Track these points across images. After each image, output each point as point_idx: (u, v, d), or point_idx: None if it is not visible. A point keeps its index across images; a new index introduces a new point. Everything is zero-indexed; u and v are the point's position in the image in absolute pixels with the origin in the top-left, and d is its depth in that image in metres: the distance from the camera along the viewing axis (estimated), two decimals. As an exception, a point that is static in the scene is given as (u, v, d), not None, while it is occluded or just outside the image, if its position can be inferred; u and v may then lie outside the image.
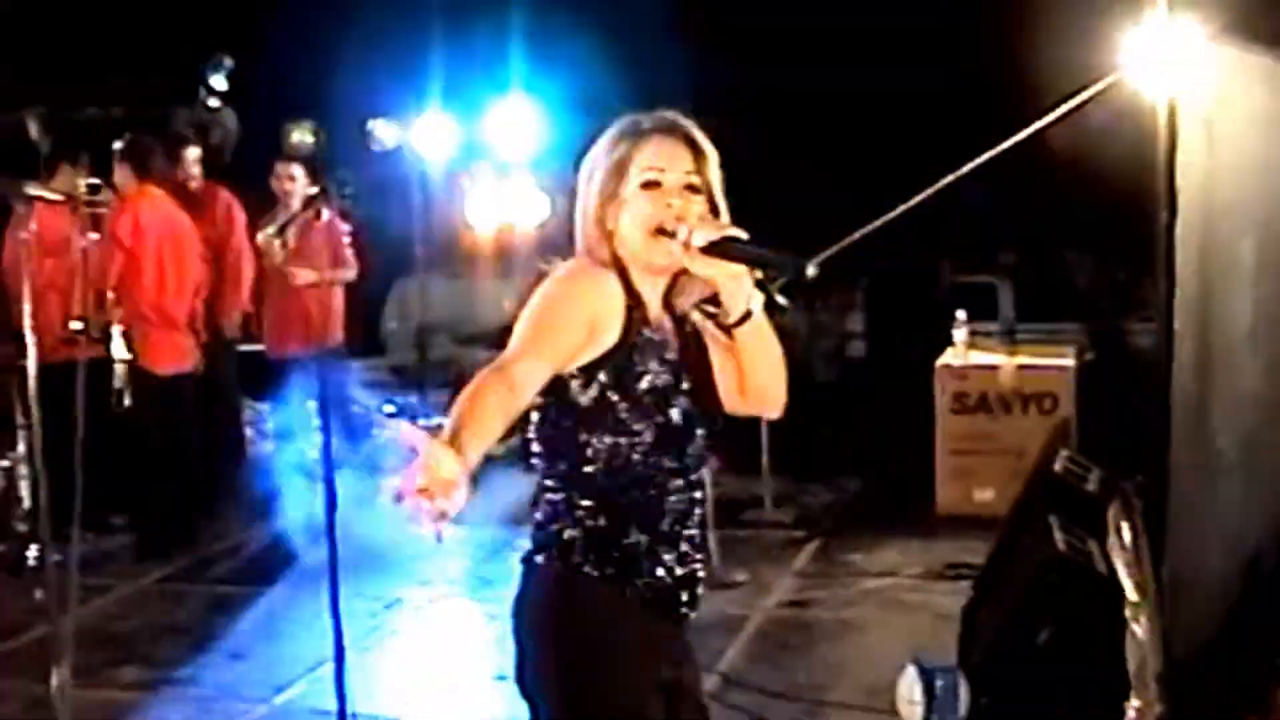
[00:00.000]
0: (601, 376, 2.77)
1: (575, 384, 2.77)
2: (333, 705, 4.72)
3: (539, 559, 2.87)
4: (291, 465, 8.76)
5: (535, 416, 2.85)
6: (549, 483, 2.87)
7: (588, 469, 2.81)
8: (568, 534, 2.83)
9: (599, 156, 2.90)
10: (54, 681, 4.34)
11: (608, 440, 2.79)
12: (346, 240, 8.47)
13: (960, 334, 8.58)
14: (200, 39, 9.36)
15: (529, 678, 2.90)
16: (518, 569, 2.93)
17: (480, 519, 7.74)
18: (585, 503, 2.82)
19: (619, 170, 2.86)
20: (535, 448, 2.88)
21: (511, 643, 2.93)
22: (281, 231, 8.00)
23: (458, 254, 11.25)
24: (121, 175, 7.37)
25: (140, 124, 8.20)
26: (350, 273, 8.53)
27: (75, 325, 6.12)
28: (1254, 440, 5.26)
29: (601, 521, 2.82)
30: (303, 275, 7.93)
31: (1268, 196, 5.27)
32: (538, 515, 2.89)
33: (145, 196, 7.41)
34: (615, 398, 2.78)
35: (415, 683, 5.77)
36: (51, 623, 4.52)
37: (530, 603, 2.90)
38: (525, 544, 2.91)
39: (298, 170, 8.18)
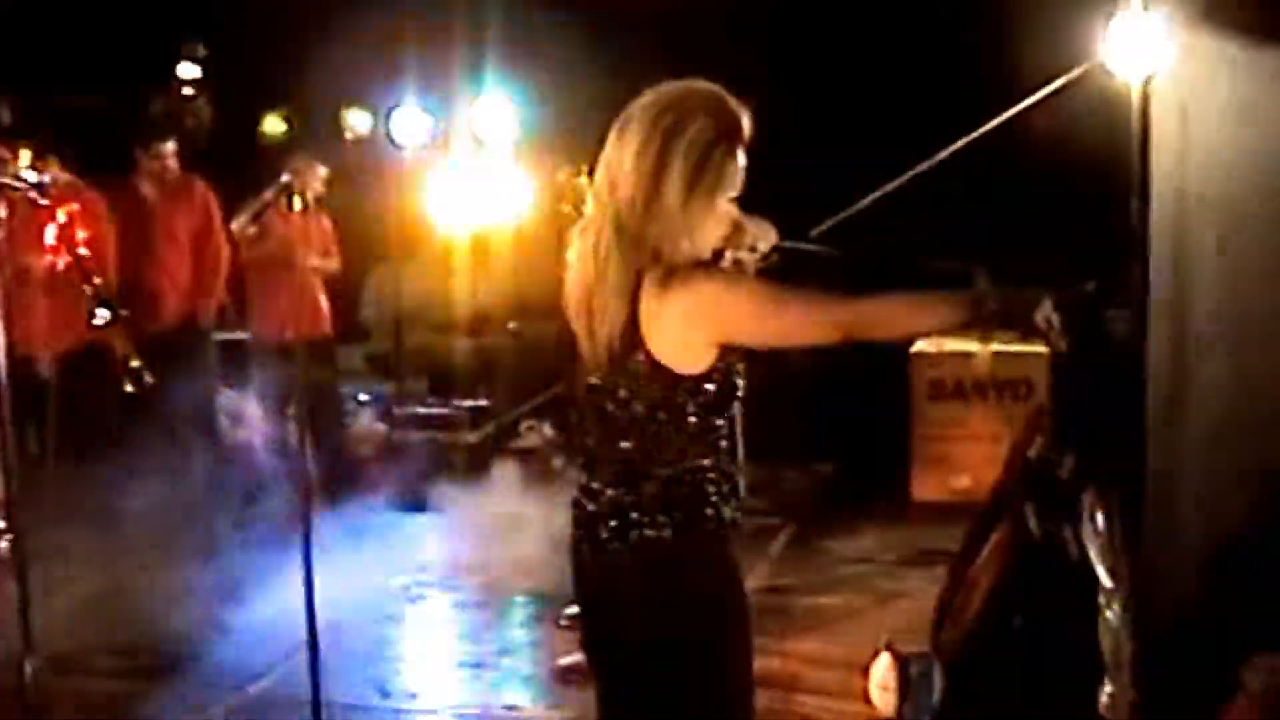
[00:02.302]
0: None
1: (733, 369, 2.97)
2: (307, 693, 4.71)
3: (675, 531, 2.97)
4: (267, 453, 8.77)
5: (656, 404, 2.94)
6: (664, 467, 2.97)
7: (712, 438, 3.00)
8: (703, 499, 2.99)
9: (709, 151, 2.90)
10: (27, 671, 4.32)
11: (728, 410, 3.01)
12: (330, 231, 8.46)
13: (935, 321, 8.56)
14: (173, 27, 9.33)
15: (689, 642, 2.98)
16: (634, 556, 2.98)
17: (451, 511, 7.76)
18: (706, 462, 2.99)
19: (729, 185, 2.96)
20: (650, 440, 2.97)
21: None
22: (255, 219, 7.96)
23: (433, 243, 11.23)
24: (53, 167, 7.29)
25: (114, 112, 8.16)
26: (334, 264, 8.51)
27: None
28: (1225, 427, 5.28)
29: (712, 474, 3.01)
30: (294, 254, 7.92)
31: (1240, 185, 5.28)
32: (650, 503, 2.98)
33: (86, 188, 7.42)
34: (739, 372, 3.00)
35: (390, 670, 5.77)
36: (25, 612, 4.50)
37: (686, 568, 2.99)
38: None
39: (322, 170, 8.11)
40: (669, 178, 2.87)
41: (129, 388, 6.36)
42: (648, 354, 2.88)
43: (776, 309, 2.94)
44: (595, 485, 3.04)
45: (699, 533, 2.99)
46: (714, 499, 3.00)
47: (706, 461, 3.00)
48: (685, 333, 2.88)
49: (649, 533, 2.96)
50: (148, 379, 6.36)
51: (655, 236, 2.88)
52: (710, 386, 2.93)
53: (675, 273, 2.88)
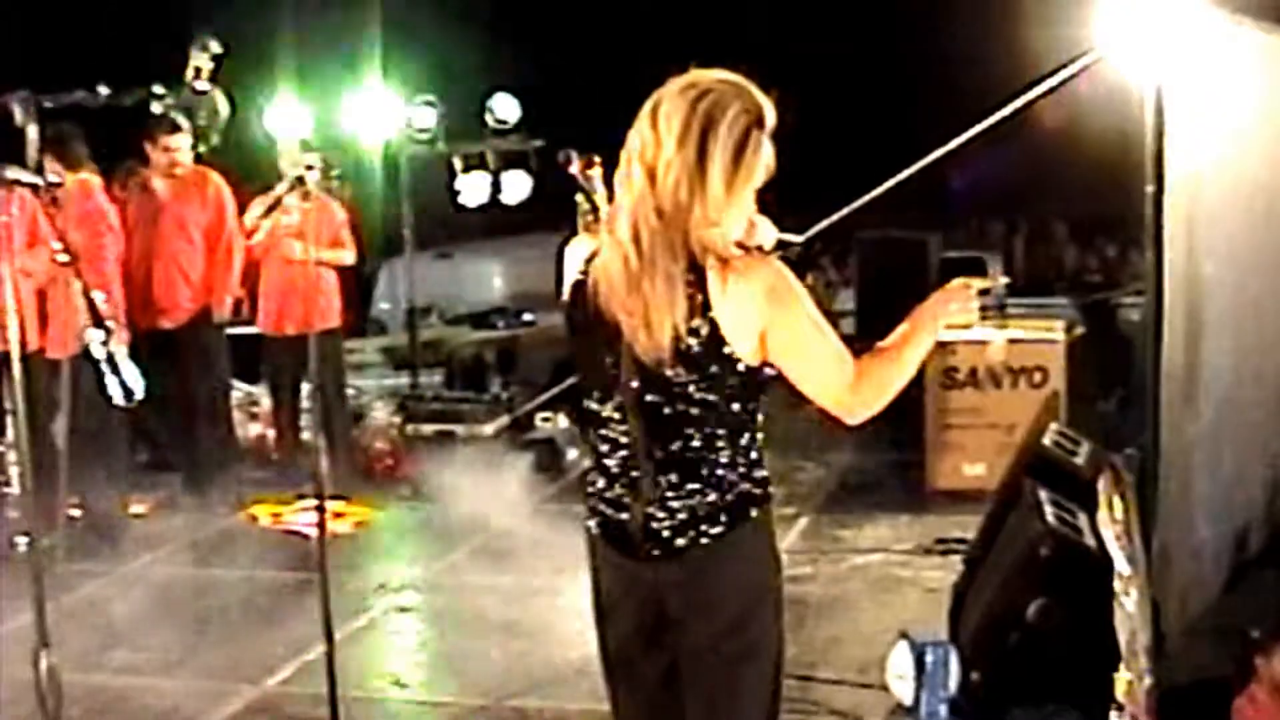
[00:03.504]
0: None
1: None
2: (323, 689, 4.71)
3: (742, 517, 2.95)
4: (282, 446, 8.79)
5: (728, 396, 2.91)
6: (724, 456, 2.93)
7: (755, 429, 2.98)
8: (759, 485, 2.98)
9: (746, 136, 2.87)
10: (42, 666, 4.32)
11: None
12: (341, 222, 8.49)
13: (950, 309, 8.54)
14: (186, 20, 9.33)
15: (760, 624, 3.01)
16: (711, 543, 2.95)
17: (468, 502, 7.76)
18: (754, 454, 2.98)
19: (762, 172, 2.93)
20: (720, 429, 2.93)
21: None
22: (269, 212, 7.98)
23: (446, 235, 11.25)
24: (52, 166, 7.27)
25: (126, 107, 8.15)
26: (348, 255, 8.54)
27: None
28: (1238, 415, 5.26)
29: (757, 466, 3.00)
30: (291, 248, 7.96)
31: (1255, 168, 5.26)
32: (711, 494, 2.94)
33: (93, 186, 7.40)
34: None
35: (406, 664, 5.77)
36: (39, 607, 4.50)
37: (754, 554, 3.00)
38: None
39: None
40: (713, 162, 2.82)
41: (118, 400, 6.31)
42: (719, 336, 2.82)
43: (818, 333, 2.90)
44: (634, 493, 2.96)
45: (748, 526, 2.96)
46: (760, 491, 2.97)
47: (754, 454, 2.97)
48: (747, 316, 2.83)
49: (704, 531, 2.92)
50: (137, 394, 6.32)
51: (698, 222, 2.83)
52: (765, 375, 2.91)
53: (738, 258, 2.85)
